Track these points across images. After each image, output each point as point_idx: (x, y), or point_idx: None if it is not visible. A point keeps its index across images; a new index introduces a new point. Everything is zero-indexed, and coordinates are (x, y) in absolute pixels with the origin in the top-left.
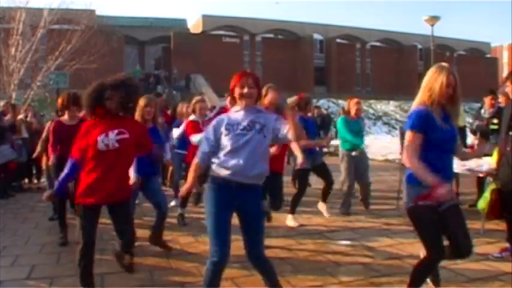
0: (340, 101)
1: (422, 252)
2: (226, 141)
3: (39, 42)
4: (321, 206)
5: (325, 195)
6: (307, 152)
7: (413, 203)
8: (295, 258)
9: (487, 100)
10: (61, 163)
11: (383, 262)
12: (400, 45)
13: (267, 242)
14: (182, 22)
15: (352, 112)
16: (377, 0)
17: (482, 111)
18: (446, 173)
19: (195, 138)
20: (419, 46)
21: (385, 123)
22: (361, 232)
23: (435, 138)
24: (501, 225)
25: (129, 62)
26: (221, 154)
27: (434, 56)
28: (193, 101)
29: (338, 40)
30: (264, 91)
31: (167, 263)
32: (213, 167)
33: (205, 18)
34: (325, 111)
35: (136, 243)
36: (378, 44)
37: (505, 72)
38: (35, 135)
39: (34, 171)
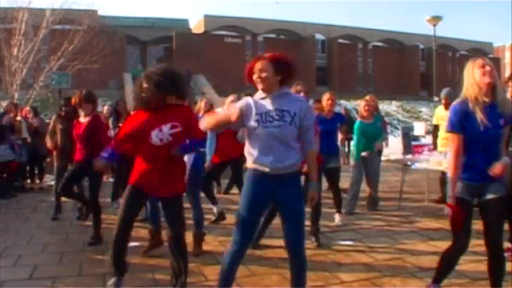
0: (342, 101)
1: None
2: (257, 136)
3: (41, 42)
4: (337, 217)
5: (337, 204)
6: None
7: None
8: None
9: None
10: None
11: (385, 262)
12: (402, 45)
13: (269, 241)
14: (184, 22)
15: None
16: (379, 0)
17: None
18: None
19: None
20: (421, 46)
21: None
22: (362, 232)
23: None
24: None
25: (131, 62)
26: (254, 150)
27: (436, 56)
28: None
29: (340, 40)
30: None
31: (169, 263)
32: (249, 161)
33: (207, 18)
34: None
35: (137, 243)
36: (379, 44)
37: (507, 72)
38: (36, 136)
39: (36, 171)
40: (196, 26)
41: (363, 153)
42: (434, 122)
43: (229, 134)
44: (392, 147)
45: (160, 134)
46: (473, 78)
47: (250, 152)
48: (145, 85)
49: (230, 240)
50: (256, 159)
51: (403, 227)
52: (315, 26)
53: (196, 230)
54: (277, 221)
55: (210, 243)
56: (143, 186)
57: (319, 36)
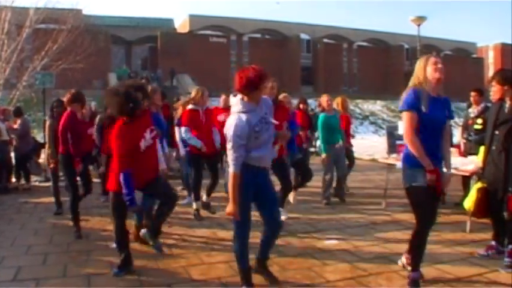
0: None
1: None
2: (256, 141)
3: (24, 41)
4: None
5: (296, 187)
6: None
7: (409, 184)
8: (282, 257)
9: (472, 97)
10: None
11: (370, 261)
12: (387, 45)
13: (253, 241)
14: (169, 22)
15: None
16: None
17: (470, 110)
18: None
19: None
20: (406, 46)
21: (371, 123)
22: (348, 231)
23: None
24: (487, 224)
25: (116, 62)
26: (250, 148)
27: (421, 56)
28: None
29: (325, 40)
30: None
31: (154, 264)
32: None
33: (192, 18)
34: (311, 111)
35: None
36: (364, 43)
37: (490, 72)
38: (19, 137)
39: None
40: (181, 25)
41: (336, 145)
42: None
43: (206, 129)
44: (377, 147)
45: (146, 142)
46: (424, 72)
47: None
48: (140, 96)
49: (215, 240)
50: (254, 157)
51: (389, 226)
52: (300, 26)
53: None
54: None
55: (195, 243)
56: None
57: (304, 36)
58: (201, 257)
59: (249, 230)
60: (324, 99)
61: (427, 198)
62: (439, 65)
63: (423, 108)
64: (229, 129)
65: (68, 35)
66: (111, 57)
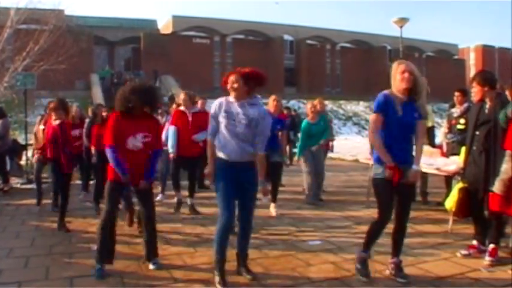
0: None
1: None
2: (221, 130)
3: (5, 42)
4: (272, 207)
5: (273, 196)
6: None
7: (373, 176)
8: (266, 258)
9: (455, 97)
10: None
11: (354, 261)
12: (370, 46)
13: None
14: (152, 23)
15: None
16: (347, 1)
17: (453, 110)
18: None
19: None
20: (389, 47)
21: (355, 124)
22: (331, 231)
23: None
24: (469, 224)
25: (99, 63)
26: (219, 140)
27: (403, 57)
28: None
29: (308, 41)
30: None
31: (137, 266)
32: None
33: (176, 18)
34: (294, 112)
35: None
36: (347, 45)
37: (472, 74)
38: None
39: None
40: (165, 26)
41: (313, 148)
42: None
43: (186, 133)
44: (360, 147)
45: (134, 141)
46: (394, 79)
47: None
48: (133, 96)
49: (198, 241)
50: (222, 149)
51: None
52: (283, 27)
53: None
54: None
55: (179, 245)
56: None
57: (287, 37)
58: (184, 259)
59: (227, 222)
60: (308, 106)
61: (385, 190)
62: (406, 74)
63: (396, 112)
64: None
65: (50, 35)
66: (93, 58)
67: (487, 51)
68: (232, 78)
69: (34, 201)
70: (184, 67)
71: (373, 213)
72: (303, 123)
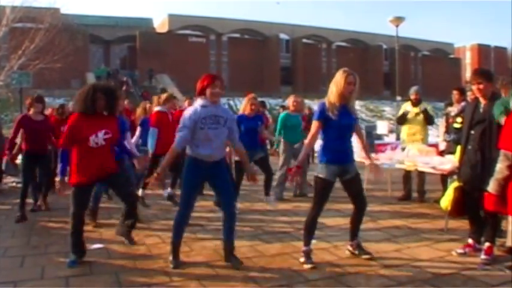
0: (306, 101)
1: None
2: (201, 134)
3: (1, 40)
4: (267, 199)
5: (267, 187)
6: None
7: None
8: (262, 257)
9: (453, 96)
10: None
11: (349, 260)
12: (366, 45)
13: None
14: (148, 21)
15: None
16: (343, 0)
17: (450, 109)
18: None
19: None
20: (385, 46)
21: None
22: (326, 230)
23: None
24: (464, 222)
25: (94, 62)
26: (197, 143)
27: (399, 56)
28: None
29: (304, 40)
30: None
31: (133, 264)
32: (191, 151)
33: (172, 17)
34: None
35: (101, 245)
36: (343, 44)
37: (467, 72)
38: None
39: None
40: (160, 25)
41: (295, 145)
42: (400, 112)
43: (169, 129)
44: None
45: (96, 139)
46: (338, 86)
47: (196, 146)
48: (99, 95)
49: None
50: (199, 150)
51: (367, 225)
52: (279, 26)
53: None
54: (242, 220)
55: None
56: (87, 179)
57: (283, 36)
58: (180, 258)
59: (187, 212)
60: (290, 99)
61: (320, 187)
62: (352, 87)
63: (332, 117)
64: (184, 115)
65: (46, 34)
66: (89, 56)
67: (482, 50)
68: (219, 83)
69: (29, 200)
70: (180, 66)
71: (368, 211)
72: (282, 114)
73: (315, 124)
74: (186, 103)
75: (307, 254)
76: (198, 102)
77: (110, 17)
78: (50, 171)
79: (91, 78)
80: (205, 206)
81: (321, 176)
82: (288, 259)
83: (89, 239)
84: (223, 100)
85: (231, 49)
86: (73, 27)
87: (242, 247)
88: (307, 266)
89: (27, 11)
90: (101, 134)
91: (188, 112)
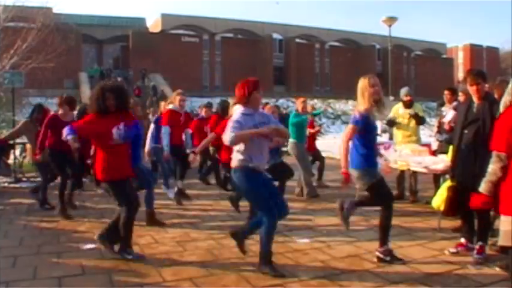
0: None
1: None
2: (253, 142)
3: None
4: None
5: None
6: None
7: None
8: (255, 257)
9: (445, 96)
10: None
11: (342, 260)
12: (359, 45)
13: (227, 242)
14: (141, 21)
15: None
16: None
17: (443, 108)
18: None
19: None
20: (378, 46)
21: (344, 123)
22: (320, 230)
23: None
24: (457, 222)
25: (87, 61)
26: (249, 152)
27: (392, 56)
28: (174, 93)
29: (297, 40)
30: None
31: (126, 265)
32: (244, 162)
33: (165, 17)
34: (284, 111)
35: (94, 245)
36: (336, 44)
37: (460, 72)
38: None
39: None
40: (153, 25)
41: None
42: (389, 116)
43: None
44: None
45: (119, 131)
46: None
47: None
48: (108, 95)
49: (187, 241)
50: (251, 158)
51: (360, 225)
52: (272, 26)
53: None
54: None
55: (167, 244)
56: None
57: (276, 36)
58: (173, 258)
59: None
60: (299, 101)
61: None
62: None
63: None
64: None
65: (38, 33)
66: (82, 56)
67: (475, 51)
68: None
69: (22, 200)
70: (173, 66)
71: (361, 211)
72: (296, 117)
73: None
74: (203, 111)
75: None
76: (240, 110)
77: (103, 17)
78: (77, 171)
79: (84, 78)
80: (199, 205)
81: (374, 179)
82: (281, 259)
83: (81, 239)
84: (216, 99)
85: (224, 49)
86: (66, 26)
87: (236, 247)
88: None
89: (20, 10)
90: (121, 126)
91: (236, 116)
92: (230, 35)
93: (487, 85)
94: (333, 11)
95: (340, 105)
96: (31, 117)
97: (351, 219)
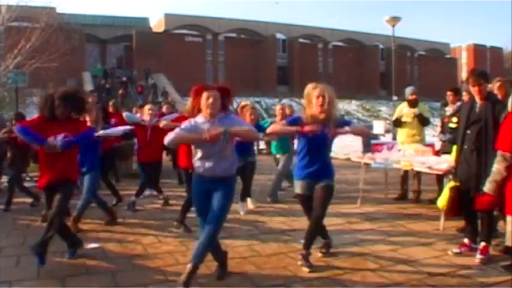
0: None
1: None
2: (198, 150)
3: None
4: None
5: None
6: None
7: None
8: (258, 257)
9: (448, 97)
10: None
11: (345, 259)
12: (362, 45)
13: (230, 241)
14: (144, 21)
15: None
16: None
17: (447, 108)
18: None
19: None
20: (381, 46)
21: None
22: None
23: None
24: (460, 222)
25: (91, 61)
26: (196, 159)
27: (395, 56)
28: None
29: (301, 40)
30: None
31: (130, 264)
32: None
33: (168, 17)
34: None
35: (97, 245)
36: (340, 43)
37: (463, 72)
38: None
39: None
40: (157, 24)
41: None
42: (395, 116)
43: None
44: (353, 146)
45: (54, 142)
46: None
47: (195, 162)
48: (57, 102)
49: (190, 240)
50: (199, 167)
51: (363, 225)
52: (275, 26)
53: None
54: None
55: (171, 243)
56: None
57: (280, 36)
58: (177, 257)
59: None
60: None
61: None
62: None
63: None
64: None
65: (42, 33)
66: (85, 56)
67: (478, 51)
68: (213, 92)
69: (25, 200)
70: (177, 65)
71: (365, 211)
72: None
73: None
74: (164, 108)
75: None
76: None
77: (107, 17)
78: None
79: (87, 78)
80: None
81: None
82: (284, 259)
83: (84, 239)
84: None
85: (227, 49)
86: (69, 26)
87: (239, 247)
88: (306, 269)
89: (23, 10)
90: (59, 137)
91: (181, 128)
92: (233, 34)
93: (489, 85)
94: (335, 11)
95: (343, 105)
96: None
97: (354, 220)
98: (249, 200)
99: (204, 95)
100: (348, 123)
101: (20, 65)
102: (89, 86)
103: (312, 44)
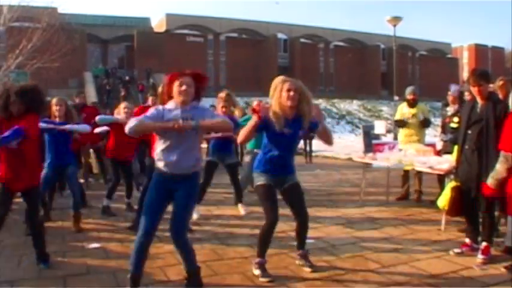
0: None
1: None
2: (165, 138)
3: None
4: (240, 207)
5: (237, 196)
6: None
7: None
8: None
9: (448, 97)
10: None
11: (346, 259)
12: (363, 45)
13: (232, 241)
14: (146, 21)
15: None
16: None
17: (448, 108)
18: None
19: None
20: (382, 46)
21: (348, 122)
22: (324, 230)
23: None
24: (461, 222)
25: (92, 61)
26: (159, 150)
27: (397, 56)
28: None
29: (302, 40)
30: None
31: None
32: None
33: (169, 17)
34: None
35: (99, 245)
36: (341, 43)
37: (465, 72)
38: None
39: None
40: (158, 24)
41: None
42: (397, 117)
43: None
44: (354, 146)
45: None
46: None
47: (157, 155)
48: (13, 98)
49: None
50: (161, 160)
51: (365, 225)
52: (277, 26)
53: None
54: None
55: (172, 243)
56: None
57: (281, 36)
58: (178, 257)
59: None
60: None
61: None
62: (292, 93)
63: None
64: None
65: (43, 33)
66: (87, 56)
67: (480, 50)
68: (186, 79)
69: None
70: (178, 65)
71: (366, 211)
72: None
73: None
74: (149, 100)
75: (262, 266)
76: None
77: (108, 17)
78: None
79: (89, 78)
80: (203, 205)
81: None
82: (285, 259)
83: (86, 239)
84: None
85: (228, 49)
86: (70, 26)
87: (240, 246)
88: (263, 280)
89: (25, 10)
90: (7, 133)
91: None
92: (235, 34)
93: (491, 85)
94: (337, 11)
95: (344, 105)
96: None
97: (356, 220)
98: (239, 205)
99: (177, 81)
100: (315, 125)
101: (22, 65)
102: (90, 86)
103: (313, 44)
